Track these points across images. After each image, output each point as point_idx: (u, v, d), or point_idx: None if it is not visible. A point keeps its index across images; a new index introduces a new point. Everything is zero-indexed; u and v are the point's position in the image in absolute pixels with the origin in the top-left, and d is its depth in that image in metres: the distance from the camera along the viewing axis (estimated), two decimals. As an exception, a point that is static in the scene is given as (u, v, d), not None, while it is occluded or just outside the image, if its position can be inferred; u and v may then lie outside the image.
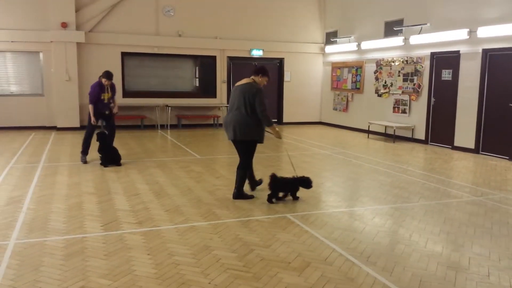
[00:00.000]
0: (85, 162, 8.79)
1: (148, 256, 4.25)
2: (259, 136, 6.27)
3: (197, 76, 16.05)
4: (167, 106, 15.01)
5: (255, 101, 6.06)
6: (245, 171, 6.41)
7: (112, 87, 9.07)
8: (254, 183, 6.82)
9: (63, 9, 13.54)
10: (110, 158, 8.61)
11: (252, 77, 6.33)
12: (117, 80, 14.53)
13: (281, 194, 6.32)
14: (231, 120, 6.20)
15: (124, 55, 14.73)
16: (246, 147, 6.31)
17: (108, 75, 8.84)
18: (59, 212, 5.61)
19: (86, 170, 8.09)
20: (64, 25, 13.54)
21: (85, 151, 8.89)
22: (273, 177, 6.14)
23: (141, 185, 7.08)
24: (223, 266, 4.05)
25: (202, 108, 15.76)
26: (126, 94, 14.83)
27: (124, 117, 14.56)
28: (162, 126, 15.14)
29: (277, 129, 6.46)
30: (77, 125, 14.05)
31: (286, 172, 7.20)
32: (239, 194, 6.37)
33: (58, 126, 13.93)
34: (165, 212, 5.65)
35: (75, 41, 13.73)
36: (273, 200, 6.19)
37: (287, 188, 6.30)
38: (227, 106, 15.77)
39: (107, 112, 8.99)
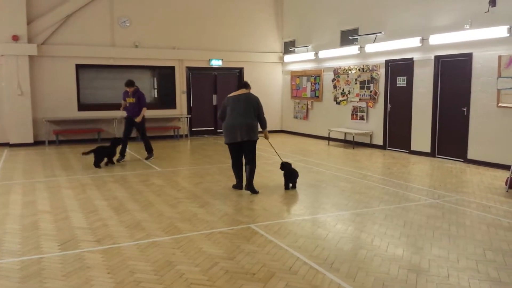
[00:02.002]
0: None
1: (108, 275, 4.12)
2: (257, 136, 7.40)
3: (155, 87, 15.85)
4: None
5: (258, 108, 7.31)
6: (255, 165, 7.40)
7: (135, 94, 10.54)
8: (241, 185, 7.57)
9: (14, 21, 13.09)
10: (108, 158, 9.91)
11: (244, 89, 7.42)
12: (72, 93, 14.28)
13: None
14: (242, 124, 7.14)
15: (78, 67, 14.37)
16: (252, 146, 7.34)
17: (126, 82, 10.62)
18: (14, 232, 5.37)
19: (41, 188, 7.80)
20: (16, 38, 13.10)
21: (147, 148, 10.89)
22: (285, 166, 7.62)
23: (99, 201, 6.88)
24: (186, 281, 3.97)
25: (161, 120, 15.55)
26: (82, 107, 14.47)
27: (80, 131, 14.20)
28: (121, 139, 14.80)
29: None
30: (31, 140, 13.55)
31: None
32: (252, 187, 7.33)
33: (11, 142, 13.40)
34: (125, 228, 5.50)
35: (27, 54, 13.29)
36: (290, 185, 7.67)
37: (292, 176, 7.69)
38: (187, 117, 15.79)
39: (135, 119, 10.55)
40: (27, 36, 13.27)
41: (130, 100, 10.56)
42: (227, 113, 7.29)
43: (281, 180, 7.84)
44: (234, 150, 7.40)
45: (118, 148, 10.32)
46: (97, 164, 9.67)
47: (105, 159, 9.89)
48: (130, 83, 10.55)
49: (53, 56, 13.90)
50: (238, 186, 7.58)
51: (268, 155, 11.25)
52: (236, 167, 7.53)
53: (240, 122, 7.13)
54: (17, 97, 13.28)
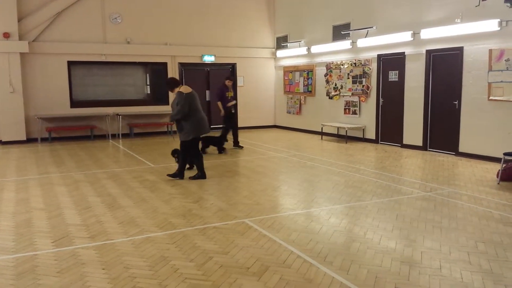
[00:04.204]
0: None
1: (103, 270, 4.13)
2: None
3: (148, 83, 15.81)
4: (117, 115, 14.69)
5: None
6: None
7: (232, 87, 11.65)
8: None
9: (4, 18, 12.99)
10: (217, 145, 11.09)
11: (185, 86, 8.00)
12: (64, 90, 14.22)
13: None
14: (205, 117, 8.03)
15: (70, 64, 14.30)
16: None
17: (227, 76, 11.69)
18: (7, 229, 5.36)
19: (34, 185, 7.77)
20: (6, 36, 12.99)
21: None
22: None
23: (92, 197, 6.87)
24: (181, 276, 3.99)
25: (154, 116, 15.52)
26: (74, 104, 14.41)
27: (72, 128, 14.15)
28: (114, 136, 14.79)
29: None
30: (23, 138, 13.49)
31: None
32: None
33: (3, 140, 13.33)
34: (119, 225, 5.51)
35: (19, 51, 13.20)
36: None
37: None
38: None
39: (232, 111, 11.59)
40: (18, 33, 13.18)
41: (230, 94, 11.49)
42: (194, 109, 7.75)
43: (274, 175, 7.85)
44: (197, 143, 8.14)
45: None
46: (203, 150, 10.88)
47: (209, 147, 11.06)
48: (230, 77, 11.68)
49: (44, 53, 13.82)
50: (203, 175, 8.13)
51: (262, 150, 11.27)
52: (200, 159, 8.14)
53: (204, 116, 8.05)
54: (9, 94, 13.20)
